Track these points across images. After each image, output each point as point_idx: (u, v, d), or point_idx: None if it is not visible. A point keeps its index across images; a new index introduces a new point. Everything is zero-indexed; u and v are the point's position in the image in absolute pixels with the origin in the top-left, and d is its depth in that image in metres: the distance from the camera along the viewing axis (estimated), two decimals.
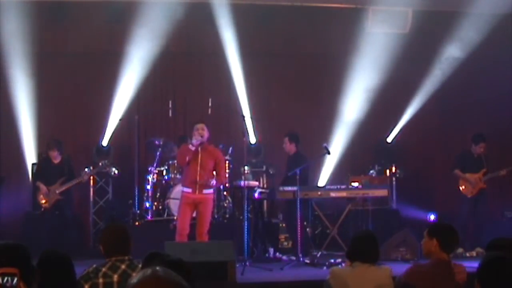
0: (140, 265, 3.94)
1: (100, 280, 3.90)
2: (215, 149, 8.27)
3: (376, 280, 4.44)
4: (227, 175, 9.42)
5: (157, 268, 2.19)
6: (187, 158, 7.99)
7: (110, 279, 3.91)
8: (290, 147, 9.29)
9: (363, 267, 4.46)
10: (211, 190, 8.18)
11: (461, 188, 9.67)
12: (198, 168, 7.97)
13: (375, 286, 4.41)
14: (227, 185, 9.69)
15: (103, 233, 4.24)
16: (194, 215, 8.14)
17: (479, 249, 8.91)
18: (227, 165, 9.70)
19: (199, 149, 8.01)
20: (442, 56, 10.96)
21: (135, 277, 2.15)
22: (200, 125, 8.06)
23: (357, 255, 4.50)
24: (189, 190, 8.01)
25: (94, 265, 4.00)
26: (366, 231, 5.40)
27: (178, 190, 9.20)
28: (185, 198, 8.06)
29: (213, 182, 8.05)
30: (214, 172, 8.18)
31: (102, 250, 4.10)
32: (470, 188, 9.60)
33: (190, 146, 7.98)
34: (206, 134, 8.03)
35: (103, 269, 3.95)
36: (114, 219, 9.68)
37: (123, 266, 3.97)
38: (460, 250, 8.67)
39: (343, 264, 7.57)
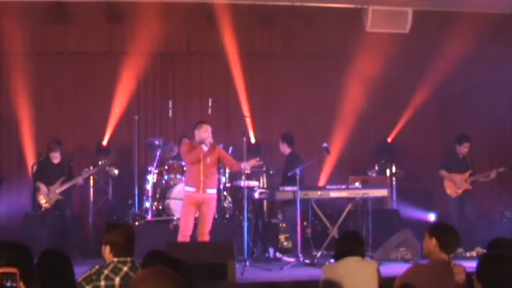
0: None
1: (102, 283, 3.85)
2: (214, 146, 8.28)
3: (365, 272, 4.62)
4: (227, 170, 9.52)
5: (158, 267, 2.19)
6: (196, 157, 8.01)
7: (112, 282, 3.87)
8: (283, 148, 9.34)
9: (351, 260, 4.63)
10: (214, 190, 8.18)
11: (446, 188, 9.68)
12: (202, 167, 7.99)
13: (365, 279, 4.59)
14: (227, 185, 9.70)
15: (111, 232, 4.07)
16: (196, 215, 8.14)
17: (479, 249, 8.91)
18: None
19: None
20: None
21: (135, 276, 2.16)
22: (209, 127, 8.13)
23: (344, 252, 4.68)
24: (193, 189, 8.01)
25: (97, 267, 3.94)
26: (349, 231, 5.59)
27: (178, 190, 9.21)
28: (188, 198, 8.05)
29: (243, 165, 8.14)
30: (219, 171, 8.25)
31: (108, 250, 4.01)
32: (454, 189, 9.60)
33: (203, 146, 8.00)
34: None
35: (106, 271, 3.90)
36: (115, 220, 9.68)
37: (125, 269, 3.94)
38: (460, 250, 8.67)
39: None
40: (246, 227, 8.37)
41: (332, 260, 7.99)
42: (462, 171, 9.65)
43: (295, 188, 8.42)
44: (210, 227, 8.04)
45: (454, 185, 9.60)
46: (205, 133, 8.05)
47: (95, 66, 10.79)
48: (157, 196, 9.70)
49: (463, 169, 9.65)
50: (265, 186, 10.06)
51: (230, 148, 9.71)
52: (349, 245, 4.71)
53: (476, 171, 9.74)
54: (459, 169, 9.65)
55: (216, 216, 9.36)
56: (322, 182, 10.80)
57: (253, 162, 8.19)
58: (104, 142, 10.35)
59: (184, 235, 7.91)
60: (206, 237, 7.94)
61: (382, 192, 9.06)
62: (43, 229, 9.05)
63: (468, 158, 9.73)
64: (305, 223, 9.17)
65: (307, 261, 8.32)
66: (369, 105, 11.29)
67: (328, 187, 9.15)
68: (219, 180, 9.41)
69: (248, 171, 8.74)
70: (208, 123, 8.31)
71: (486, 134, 11.28)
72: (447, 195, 9.67)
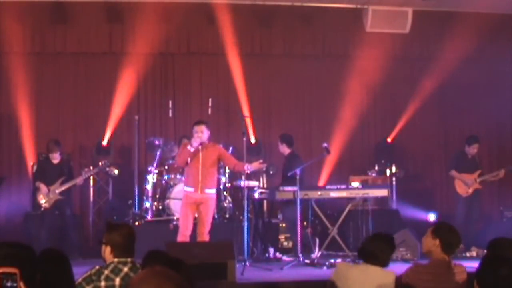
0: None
1: (102, 283, 3.86)
2: (214, 145, 8.26)
3: (377, 281, 4.37)
4: (227, 170, 9.52)
5: (158, 267, 2.19)
6: (188, 160, 8.00)
7: (112, 282, 3.87)
8: (282, 148, 9.32)
9: (371, 270, 4.38)
10: (213, 190, 8.15)
11: (457, 188, 9.74)
12: (200, 167, 7.97)
13: (375, 287, 4.36)
14: (227, 185, 9.71)
15: (111, 233, 4.07)
16: (195, 215, 8.13)
17: (477, 249, 8.93)
18: None
19: (200, 148, 8.01)
20: None
21: (136, 276, 2.16)
22: (199, 127, 8.03)
23: (369, 256, 4.41)
24: (191, 189, 8.01)
25: (97, 267, 3.94)
26: (384, 234, 4.70)
27: (178, 190, 9.21)
28: (187, 198, 8.05)
29: (247, 166, 8.06)
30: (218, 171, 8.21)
31: (109, 250, 4.00)
32: (465, 188, 9.70)
33: (189, 147, 7.97)
34: (205, 134, 8.03)
35: (106, 272, 3.91)
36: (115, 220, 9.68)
37: (125, 269, 3.93)
38: (461, 246, 8.67)
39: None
40: (246, 227, 8.36)
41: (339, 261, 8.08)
42: (471, 171, 9.76)
43: (295, 188, 8.42)
44: (210, 227, 8.02)
45: (465, 185, 9.67)
46: (195, 133, 8.02)
47: (95, 66, 10.78)
48: (157, 196, 9.70)
49: (472, 169, 9.77)
50: (265, 186, 10.06)
51: (230, 148, 9.70)
52: (377, 250, 4.39)
53: (484, 171, 9.80)
54: (469, 169, 9.76)
55: (216, 216, 9.37)
56: (322, 182, 10.79)
57: (256, 164, 8.15)
58: (104, 142, 10.33)
59: (183, 235, 7.91)
60: (206, 237, 7.93)
61: (382, 192, 9.07)
62: (42, 229, 9.04)
63: (476, 158, 9.84)
64: (305, 223, 9.17)
65: (307, 261, 8.32)
66: (369, 105, 11.29)
67: (328, 187, 9.15)
68: (219, 180, 9.41)
69: (249, 171, 8.73)
70: (204, 123, 8.20)
71: (486, 134, 11.26)
72: (457, 194, 9.74)
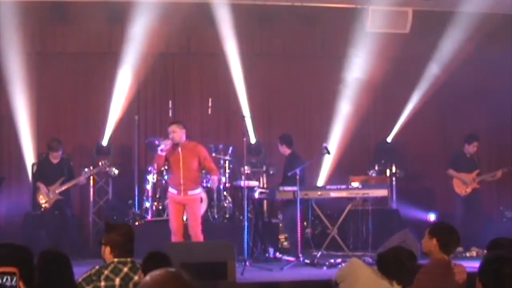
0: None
1: (102, 284, 3.86)
2: (195, 145, 8.07)
3: None
4: (227, 170, 9.53)
5: (174, 270, 2.13)
6: (158, 164, 7.96)
7: (112, 282, 3.88)
8: (282, 149, 9.31)
9: (379, 275, 4.15)
10: (197, 191, 8.01)
11: (454, 187, 9.74)
12: (181, 170, 7.82)
13: None
14: (227, 185, 9.70)
15: (110, 233, 4.07)
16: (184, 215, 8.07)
17: (477, 249, 8.93)
18: (227, 164, 9.71)
19: (180, 149, 7.86)
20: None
21: (149, 276, 2.08)
22: (170, 128, 7.95)
23: (384, 269, 4.13)
24: (175, 191, 7.93)
25: (97, 267, 3.95)
26: (408, 251, 4.18)
27: None
28: (171, 199, 8.02)
29: (211, 184, 8.10)
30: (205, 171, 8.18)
31: (108, 251, 4.01)
32: (463, 188, 9.70)
33: (159, 151, 7.83)
34: (179, 134, 7.88)
35: (106, 272, 3.91)
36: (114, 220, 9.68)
37: (125, 269, 3.94)
38: (460, 249, 8.67)
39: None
40: (246, 227, 8.36)
41: (340, 262, 8.01)
42: (469, 171, 9.76)
43: (295, 188, 8.42)
44: (200, 226, 7.92)
45: (463, 184, 9.67)
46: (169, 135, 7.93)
47: (95, 66, 10.79)
48: (157, 196, 9.70)
49: (471, 168, 9.77)
50: (265, 186, 10.06)
51: (230, 148, 9.72)
52: (395, 267, 4.04)
53: (483, 171, 9.81)
54: (467, 168, 9.76)
55: (216, 216, 9.37)
56: (322, 182, 10.79)
57: (215, 180, 8.00)
58: (104, 142, 10.34)
59: (176, 235, 7.83)
60: (200, 237, 7.84)
61: (382, 192, 9.07)
62: (42, 229, 9.05)
63: (474, 157, 9.84)
64: (305, 223, 9.17)
65: (307, 261, 8.32)
66: (369, 105, 11.28)
67: (328, 187, 9.15)
68: (219, 181, 9.40)
69: (249, 171, 8.72)
70: (176, 123, 8.12)
71: (485, 134, 11.27)
72: (455, 194, 9.75)
